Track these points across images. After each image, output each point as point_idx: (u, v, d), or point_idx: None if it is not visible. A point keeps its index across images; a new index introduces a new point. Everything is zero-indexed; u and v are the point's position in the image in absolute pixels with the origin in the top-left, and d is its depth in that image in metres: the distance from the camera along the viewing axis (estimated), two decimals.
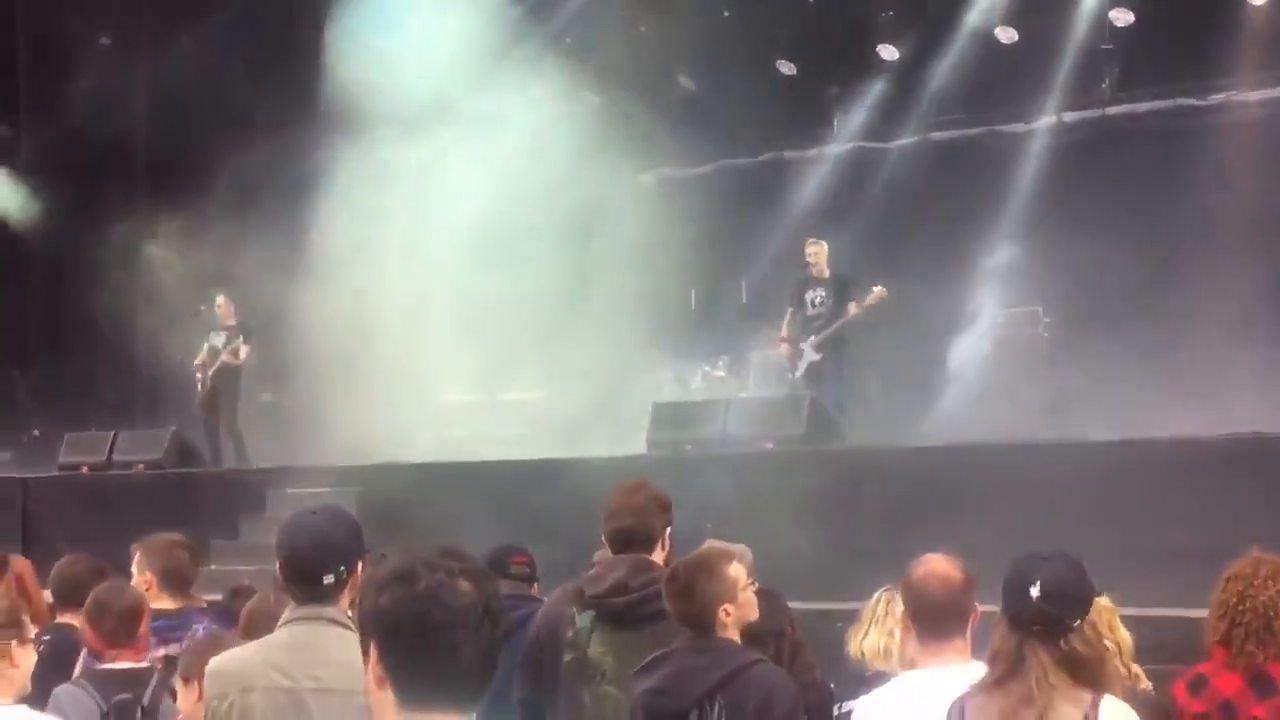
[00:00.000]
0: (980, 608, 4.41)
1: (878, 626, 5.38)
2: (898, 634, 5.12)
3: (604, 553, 5.60)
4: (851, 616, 5.68)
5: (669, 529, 5.48)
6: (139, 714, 5.33)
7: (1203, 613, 4.92)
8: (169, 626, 6.07)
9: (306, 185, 17.79)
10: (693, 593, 4.86)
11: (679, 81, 18.92)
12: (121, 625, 5.49)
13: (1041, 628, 3.86)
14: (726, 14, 18.43)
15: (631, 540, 5.39)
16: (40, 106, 20.24)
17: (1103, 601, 4.13)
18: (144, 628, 5.59)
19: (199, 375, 16.48)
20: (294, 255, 16.97)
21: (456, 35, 18.63)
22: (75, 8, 19.78)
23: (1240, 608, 4.69)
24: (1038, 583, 3.89)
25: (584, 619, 5.34)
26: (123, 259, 19.33)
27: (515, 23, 18.95)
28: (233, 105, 18.13)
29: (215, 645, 4.60)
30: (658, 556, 5.39)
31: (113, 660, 5.48)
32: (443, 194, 18.24)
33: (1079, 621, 3.85)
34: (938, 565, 4.49)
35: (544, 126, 18.56)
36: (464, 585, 2.57)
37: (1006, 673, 3.90)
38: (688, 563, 4.98)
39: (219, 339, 16.54)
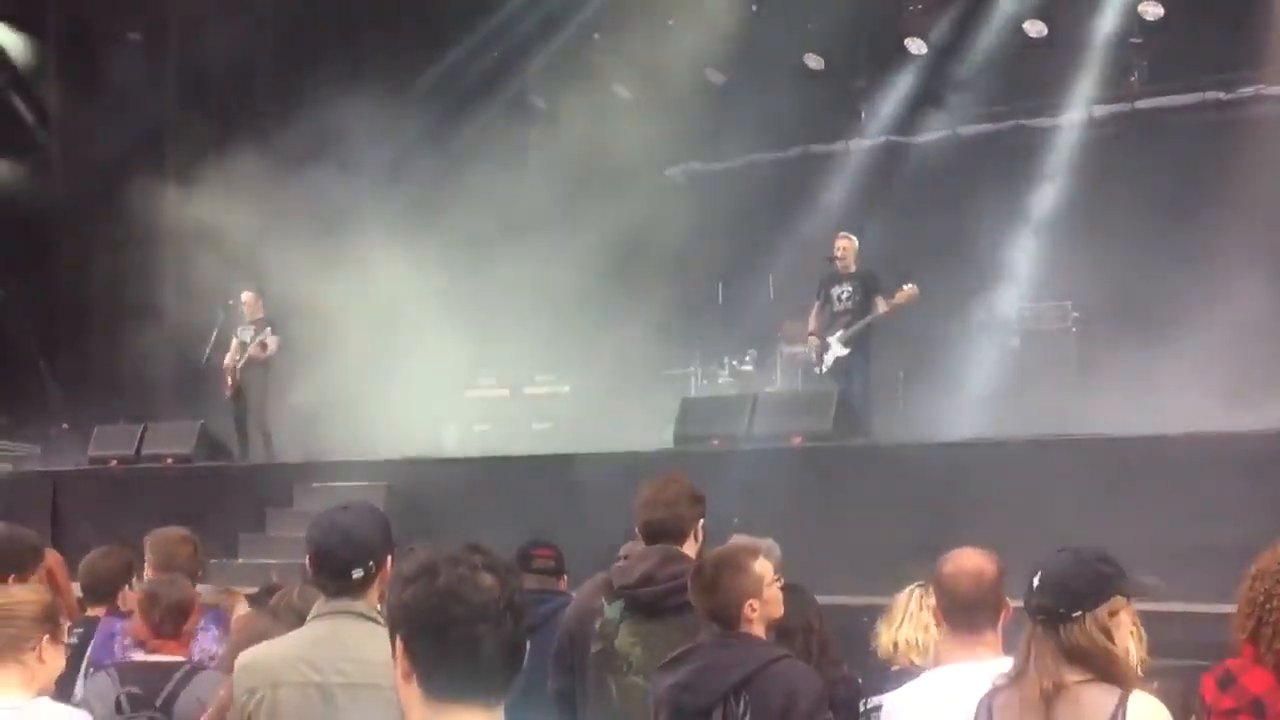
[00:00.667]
0: (1012, 603, 4.39)
1: (911, 621, 5.36)
2: (932, 628, 5.11)
3: (633, 545, 5.62)
4: (878, 611, 5.66)
5: (701, 522, 5.49)
6: (153, 707, 5.36)
7: (1229, 608, 4.89)
8: None
9: (335, 179, 17.85)
10: (718, 588, 4.86)
11: (707, 76, 18.90)
12: (169, 617, 5.54)
13: (1043, 617, 3.88)
14: (755, 8, 18.42)
15: (663, 532, 5.42)
16: (69, 99, 20.32)
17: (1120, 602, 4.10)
18: (191, 623, 5.64)
19: (228, 369, 16.49)
20: (321, 249, 17.01)
21: (488, 30, 18.72)
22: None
23: (1268, 605, 4.65)
24: (1039, 573, 3.91)
25: (613, 610, 5.36)
26: (150, 252, 19.41)
27: (546, 16, 18.99)
28: (261, 97, 18.18)
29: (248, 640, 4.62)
30: (689, 549, 5.41)
31: (155, 650, 5.53)
32: (471, 188, 18.27)
33: (1079, 613, 3.84)
34: (968, 559, 4.47)
35: (573, 120, 18.60)
36: (486, 580, 2.59)
37: (1022, 666, 3.91)
38: (714, 558, 4.98)
39: (246, 334, 16.53)
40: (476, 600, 2.57)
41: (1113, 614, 3.88)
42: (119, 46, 19.81)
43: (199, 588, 6.19)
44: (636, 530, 5.54)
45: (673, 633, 5.14)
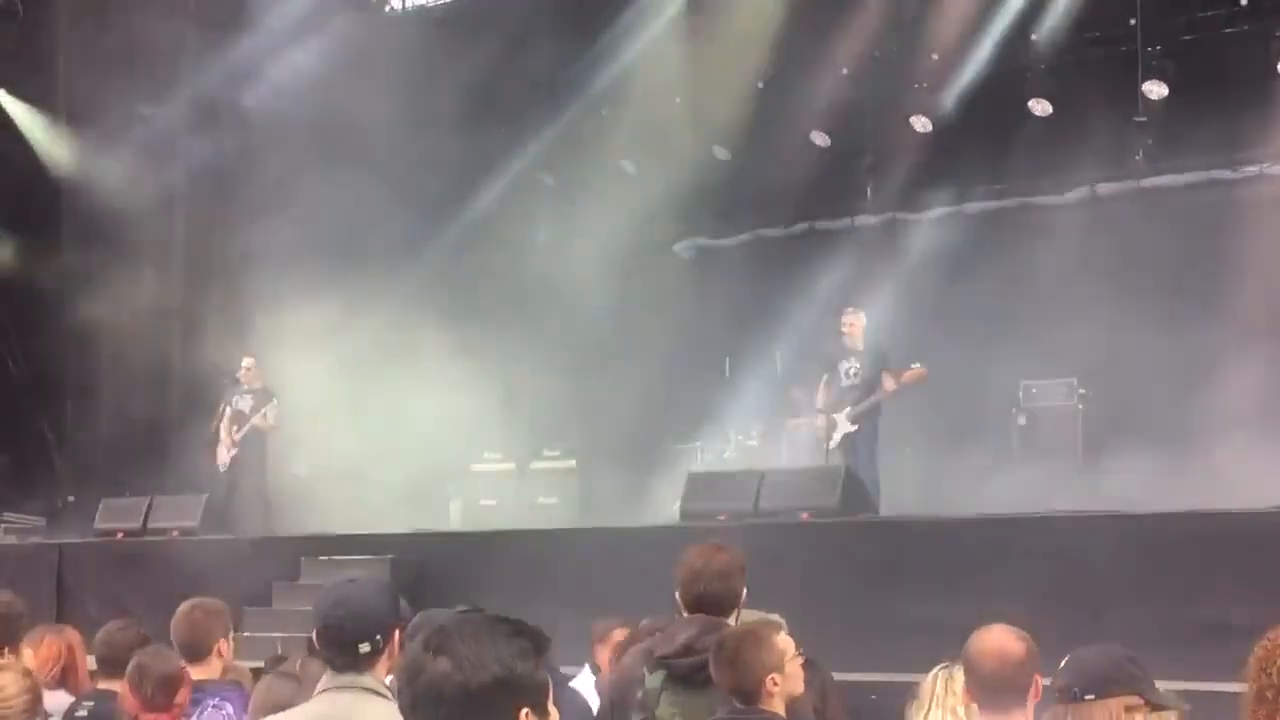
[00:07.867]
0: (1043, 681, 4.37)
1: (939, 705, 5.28)
2: (960, 711, 5.07)
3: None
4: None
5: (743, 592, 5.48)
6: None
7: (1239, 687, 4.80)
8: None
9: (343, 253, 17.91)
10: (738, 661, 4.86)
11: (714, 152, 19.02)
12: (160, 690, 5.54)
13: (1059, 695, 3.94)
14: (761, 85, 18.55)
15: (714, 604, 5.38)
16: (76, 169, 20.42)
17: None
18: (182, 695, 5.64)
19: (221, 436, 16.47)
20: (329, 322, 17.05)
21: (496, 106, 18.83)
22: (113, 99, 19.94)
23: None
24: (1068, 656, 3.96)
25: (654, 679, 5.34)
26: (158, 324, 19.45)
27: (554, 93, 19.13)
28: (270, 172, 18.26)
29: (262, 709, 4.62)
30: (731, 619, 5.39)
31: None
32: (479, 263, 18.34)
33: (1092, 697, 3.86)
34: (993, 638, 4.45)
35: (581, 196, 18.70)
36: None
37: None
38: (735, 632, 4.99)
39: (244, 402, 16.50)
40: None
41: (1128, 709, 3.89)
42: (128, 125, 19.88)
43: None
44: (678, 598, 5.49)
45: (714, 703, 5.12)
